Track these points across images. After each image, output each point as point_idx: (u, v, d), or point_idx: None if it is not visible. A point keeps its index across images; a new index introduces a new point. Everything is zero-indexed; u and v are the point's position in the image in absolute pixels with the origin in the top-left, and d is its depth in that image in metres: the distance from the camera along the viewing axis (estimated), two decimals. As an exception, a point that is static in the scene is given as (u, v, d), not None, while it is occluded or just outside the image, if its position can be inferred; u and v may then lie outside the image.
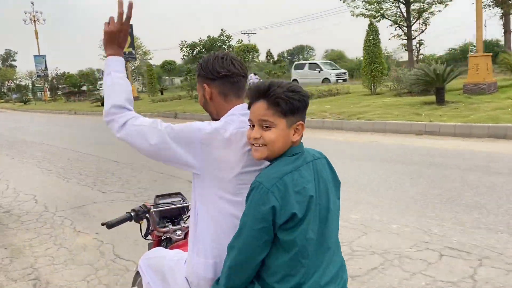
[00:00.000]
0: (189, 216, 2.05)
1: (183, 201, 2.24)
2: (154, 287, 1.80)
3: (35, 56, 46.01)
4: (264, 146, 1.37)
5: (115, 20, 1.60)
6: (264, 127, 1.36)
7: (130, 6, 1.60)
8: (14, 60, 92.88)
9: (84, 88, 45.39)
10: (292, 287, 1.33)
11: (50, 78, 46.27)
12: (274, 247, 1.36)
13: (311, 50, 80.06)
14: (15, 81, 75.64)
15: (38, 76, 46.85)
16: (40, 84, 47.48)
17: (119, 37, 1.62)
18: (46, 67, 46.01)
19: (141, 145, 1.49)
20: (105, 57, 1.66)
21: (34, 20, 46.00)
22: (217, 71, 1.53)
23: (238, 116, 1.51)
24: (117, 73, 1.61)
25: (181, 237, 2.08)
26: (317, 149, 1.54)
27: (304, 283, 1.33)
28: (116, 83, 1.59)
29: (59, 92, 46.16)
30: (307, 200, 1.33)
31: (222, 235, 1.47)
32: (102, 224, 1.96)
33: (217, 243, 1.48)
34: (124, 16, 1.60)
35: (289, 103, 1.34)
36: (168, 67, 43.92)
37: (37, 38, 46.16)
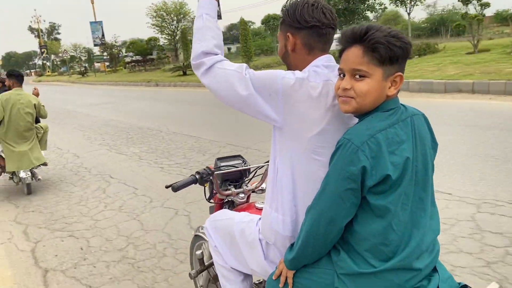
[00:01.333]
0: (250, 179, 2.14)
1: (244, 163, 2.14)
2: (222, 250, 1.75)
3: (91, 22, 41.77)
4: (353, 98, 1.21)
5: None
6: (357, 77, 1.20)
7: None
8: (59, 33, 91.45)
9: (153, 56, 40.04)
10: (384, 256, 1.21)
11: (109, 47, 41.71)
12: (363, 212, 1.23)
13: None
14: (60, 54, 72.98)
15: (95, 45, 42.71)
16: (101, 53, 42.73)
17: None
18: (103, 35, 41.75)
19: (227, 95, 1.39)
20: None
21: (89, -18, 41.26)
22: (305, 20, 1.38)
23: (322, 68, 1.37)
24: (209, 16, 1.51)
25: (243, 200, 2.05)
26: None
27: (397, 252, 1.20)
28: (207, 27, 1.49)
29: (121, 62, 41.52)
30: (403, 161, 1.19)
31: (301, 194, 1.39)
32: (167, 187, 1.94)
33: (296, 202, 1.40)
34: None
35: (389, 50, 1.17)
36: (273, 24, 30.28)
37: (92, 2, 41.61)
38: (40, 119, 5.61)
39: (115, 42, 41.19)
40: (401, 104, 1.28)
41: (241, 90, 1.35)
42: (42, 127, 5.59)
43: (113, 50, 40.27)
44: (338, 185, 1.18)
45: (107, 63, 42.28)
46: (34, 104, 5.24)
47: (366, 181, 1.16)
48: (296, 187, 1.39)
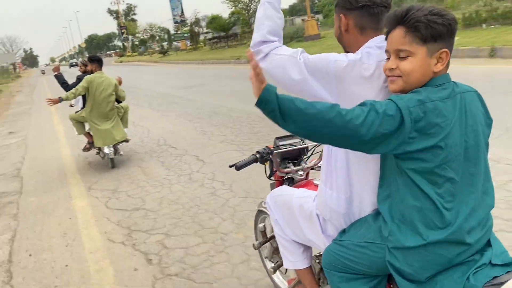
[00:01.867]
0: (308, 157, 2.19)
1: (302, 142, 2.18)
2: (282, 223, 1.83)
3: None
4: (399, 77, 1.24)
5: None
6: (401, 56, 1.23)
7: None
8: (135, 14, 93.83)
9: (237, 31, 38.02)
10: (434, 227, 1.22)
11: (189, 24, 40.53)
12: (412, 183, 1.22)
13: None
14: (138, 34, 74.18)
15: (175, 22, 41.85)
16: (180, 31, 41.73)
17: None
18: (182, 12, 40.74)
19: (282, 79, 1.45)
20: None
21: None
22: (356, 0, 1.39)
23: (375, 49, 1.36)
24: (270, 4, 1.57)
25: (303, 177, 2.11)
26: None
27: (447, 225, 1.21)
28: (266, 16, 1.56)
29: (202, 38, 40.18)
30: (446, 133, 1.19)
31: (354, 172, 1.42)
32: (230, 166, 2.06)
33: (350, 180, 1.43)
34: None
35: (430, 28, 1.19)
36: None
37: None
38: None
39: (196, 18, 39.75)
40: (453, 82, 1.28)
41: (295, 74, 1.40)
42: (122, 107, 6.01)
43: (194, 26, 38.85)
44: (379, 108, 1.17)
45: (187, 41, 41.25)
46: (115, 85, 5.64)
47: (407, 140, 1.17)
48: (349, 166, 1.41)
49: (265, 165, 2.17)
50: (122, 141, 5.86)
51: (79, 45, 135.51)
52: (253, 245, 2.30)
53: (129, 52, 66.83)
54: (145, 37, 60.01)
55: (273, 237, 2.17)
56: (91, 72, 5.72)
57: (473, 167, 1.25)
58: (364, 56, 1.33)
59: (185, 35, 40.29)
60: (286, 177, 2.18)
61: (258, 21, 1.57)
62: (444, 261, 1.23)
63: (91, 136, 5.87)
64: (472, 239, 1.23)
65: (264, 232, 2.28)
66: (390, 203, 1.30)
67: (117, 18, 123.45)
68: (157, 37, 59.45)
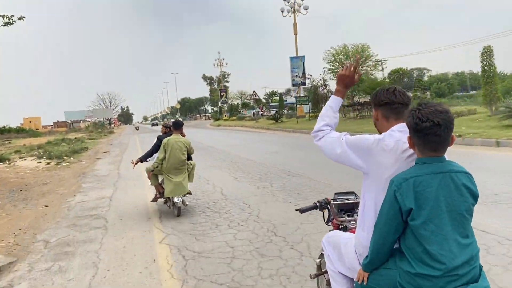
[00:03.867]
0: None
1: (356, 198, 2.71)
2: (332, 257, 2.32)
3: (291, 57, 34.40)
4: None
5: (349, 68, 2.24)
6: None
7: (357, 59, 2.36)
8: (227, 82, 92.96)
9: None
10: (428, 262, 1.68)
11: (310, 86, 33.19)
12: (409, 231, 1.73)
13: None
14: (228, 100, 70.26)
15: (293, 85, 34.92)
16: (298, 94, 34.27)
17: (348, 80, 2.24)
18: (304, 72, 33.82)
19: (331, 153, 2.09)
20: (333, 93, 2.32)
21: (294, 11, 34.18)
22: (381, 99, 2.04)
23: (396, 132, 1.95)
24: (330, 108, 2.25)
25: (354, 226, 2.43)
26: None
27: (437, 263, 1.66)
28: (327, 115, 2.23)
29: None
30: (424, 200, 1.68)
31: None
32: (297, 210, 2.75)
33: None
34: (353, 68, 2.24)
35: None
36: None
37: (295, 33, 34.31)
38: (191, 156, 6.84)
39: (324, 79, 32.05)
40: (449, 161, 1.76)
41: (338, 149, 2.05)
42: (191, 164, 6.80)
43: (321, 89, 31.07)
44: (387, 210, 1.75)
45: (304, 106, 33.53)
46: (187, 146, 6.57)
47: (402, 209, 1.70)
48: (377, 212, 1.88)
49: (323, 212, 2.77)
50: (186, 193, 6.57)
51: (171, 107, 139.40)
52: (310, 275, 2.87)
53: (226, 116, 61.81)
54: (249, 100, 55.09)
55: (326, 271, 2.48)
56: (171, 133, 6.82)
57: (460, 226, 1.72)
58: (386, 136, 1.94)
59: (305, 98, 32.69)
60: (341, 225, 2.60)
61: (321, 116, 2.25)
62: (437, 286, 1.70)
63: (162, 187, 6.71)
64: (461, 271, 1.68)
65: (319, 266, 2.76)
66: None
67: (210, 84, 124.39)
68: (264, 101, 53.96)
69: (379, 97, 2.03)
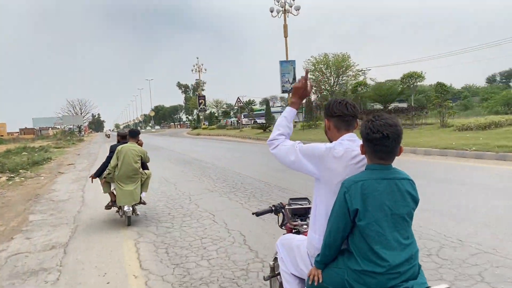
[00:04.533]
0: None
1: (309, 203, 2.80)
2: (285, 259, 2.43)
3: (281, 62, 31.76)
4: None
5: (301, 80, 2.38)
6: None
7: (306, 72, 2.41)
8: (203, 90, 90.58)
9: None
10: (373, 260, 1.83)
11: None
12: (356, 230, 1.88)
13: None
14: (206, 108, 67.38)
15: (283, 91, 32.23)
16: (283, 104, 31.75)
17: (302, 91, 2.39)
18: (294, 78, 31.29)
19: (285, 160, 2.23)
20: (287, 104, 3.59)
21: (285, 11, 31.61)
22: (334, 111, 2.18)
23: (345, 141, 2.10)
24: (285, 118, 2.40)
25: (307, 230, 2.52)
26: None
27: (381, 260, 1.81)
28: (282, 124, 2.38)
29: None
30: (370, 202, 1.83)
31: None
32: (253, 213, 2.85)
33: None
34: (305, 80, 2.36)
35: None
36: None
37: (285, 35, 31.74)
38: (147, 164, 6.70)
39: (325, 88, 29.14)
40: (395, 169, 1.93)
41: (291, 157, 2.19)
42: (146, 173, 6.60)
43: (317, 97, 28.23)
44: (337, 209, 1.91)
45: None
46: (141, 155, 6.39)
47: (349, 208, 1.85)
48: (328, 215, 2.02)
49: (277, 216, 2.87)
50: (139, 203, 6.44)
51: (145, 115, 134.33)
52: (263, 277, 3.01)
53: (204, 124, 58.54)
54: (227, 109, 52.11)
55: (279, 273, 2.57)
56: (125, 142, 6.63)
57: (401, 228, 1.89)
58: (336, 144, 2.08)
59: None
60: (294, 229, 2.69)
61: (276, 126, 2.40)
62: (380, 283, 1.85)
63: (114, 195, 6.55)
64: (402, 269, 1.84)
65: (272, 268, 2.84)
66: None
67: (185, 92, 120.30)
68: (246, 109, 51.12)
69: (332, 109, 2.19)
